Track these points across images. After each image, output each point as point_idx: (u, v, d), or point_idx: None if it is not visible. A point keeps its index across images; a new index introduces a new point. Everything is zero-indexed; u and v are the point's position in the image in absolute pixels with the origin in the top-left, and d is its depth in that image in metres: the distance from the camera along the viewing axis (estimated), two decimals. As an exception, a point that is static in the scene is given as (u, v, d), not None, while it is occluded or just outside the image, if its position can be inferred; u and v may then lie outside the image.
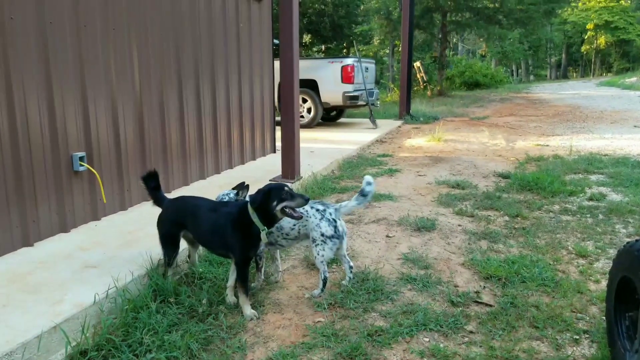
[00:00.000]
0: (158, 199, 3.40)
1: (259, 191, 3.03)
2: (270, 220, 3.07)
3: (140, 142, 5.02)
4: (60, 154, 4.08)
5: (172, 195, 5.05)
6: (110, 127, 4.62)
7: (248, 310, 3.06)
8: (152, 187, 3.38)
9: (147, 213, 4.61)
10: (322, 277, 3.29)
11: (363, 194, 3.34)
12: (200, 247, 3.63)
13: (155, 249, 3.55)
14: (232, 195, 3.56)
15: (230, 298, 3.22)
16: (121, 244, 3.90)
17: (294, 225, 3.30)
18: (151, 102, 5.16)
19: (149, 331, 2.77)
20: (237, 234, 3.07)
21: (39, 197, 3.90)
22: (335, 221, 3.27)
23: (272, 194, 3.00)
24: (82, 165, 4.24)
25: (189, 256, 3.59)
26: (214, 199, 3.55)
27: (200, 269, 3.56)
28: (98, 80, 4.43)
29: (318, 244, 3.25)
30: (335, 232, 3.26)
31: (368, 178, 3.38)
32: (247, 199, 3.22)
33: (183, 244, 3.44)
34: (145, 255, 3.47)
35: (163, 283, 3.20)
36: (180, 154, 5.70)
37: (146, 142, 5.09)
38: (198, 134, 6.02)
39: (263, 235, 3.06)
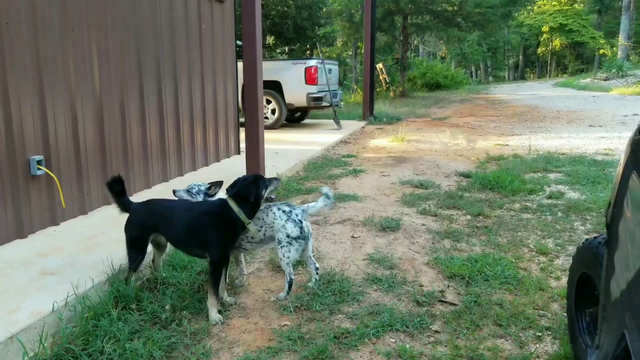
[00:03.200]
0: (124, 204, 3.31)
1: (247, 184, 3.11)
2: (254, 211, 3.17)
3: (100, 144, 4.90)
4: (17, 157, 3.94)
5: (133, 198, 4.95)
6: (70, 129, 4.48)
7: (214, 314, 3.01)
8: (117, 192, 3.29)
9: (108, 217, 4.50)
10: (288, 280, 3.27)
11: (327, 197, 3.37)
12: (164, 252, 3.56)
13: (116, 254, 3.47)
14: (202, 187, 3.52)
15: (227, 298, 3.27)
16: (81, 249, 3.79)
17: (260, 227, 3.27)
18: (112, 103, 5.04)
19: (110, 339, 2.69)
20: (220, 232, 3.07)
21: (-7, 203, 3.76)
22: (301, 222, 3.26)
23: (259, 182, 3.16)
24: (40, 169, 4.10)
25: (153, 260, 3.51)
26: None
27: (164, 274, 3.49)
28: (56, 82, 4.30)
29: (284, 246, 3.23)
30: (301, 233, 3.24)
31: (325, 190, 3.43)
32: (223, 196, 3.23)
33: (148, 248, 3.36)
34: (106, 260, 3.38)
35: (125, 289, 3.12)
36: (142, 157, 5.58)
37: (106, 144, 4.96)
38: (160, 136, 5.92)
39: (252, 227, 3.14)
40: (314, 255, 3.51)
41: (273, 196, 3.27)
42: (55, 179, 4.28)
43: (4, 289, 3.08)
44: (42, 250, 3.77)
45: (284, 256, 3.24)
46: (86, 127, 4.69)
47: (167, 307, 3.08)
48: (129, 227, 3.27)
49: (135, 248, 3.23)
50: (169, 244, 3.45)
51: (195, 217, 3.13)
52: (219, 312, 3.08)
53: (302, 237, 3.26)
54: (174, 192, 3.53)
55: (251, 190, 3.08)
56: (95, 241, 3.97)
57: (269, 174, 6.24)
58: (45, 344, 2.60)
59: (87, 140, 4.71)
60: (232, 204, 3.08)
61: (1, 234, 3.85)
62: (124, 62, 5.20)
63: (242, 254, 3.56)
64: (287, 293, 3.29)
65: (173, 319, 2.98)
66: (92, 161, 4.79)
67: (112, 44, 5.00)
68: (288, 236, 3.23)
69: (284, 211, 3.28)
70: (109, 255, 3.48)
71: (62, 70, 4.37)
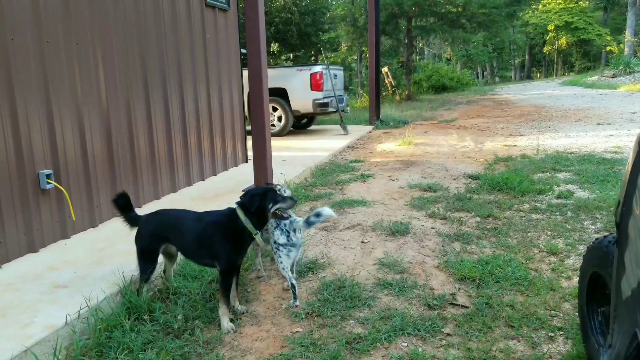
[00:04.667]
0: (131, 219, 3.35)
1: (253, 195, 3.11)
2: (262, 222, 3.16)
3: (108, 156, 4.94)
4: (26, 172, 3.98)
5: (143, 209, 4.98)
6: (78, 142, 4.53)
7: (226, 323, 3.02)
8: (123, 207, 3.33)
9: (118, 229, 4.51)
10: (290, 284, 3.30)
11: (308, 222, 3.39)
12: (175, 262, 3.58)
13: (127, 266, 3.49)
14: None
15: (238, 306, 3.28)
16: (92, 262, 3.82)
17: None
18: (118, 115, 5.08)
19: (124, 350, 2.72)
20: (227, 241, 3.08)
21: (5, 217, 3.80)
22: (288, 232, 3.35)
23: (267, 195, 3.11)
24: (50, 183, 4.14)
25: (164, 271, 3.53)
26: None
27: (175, 284, 3.50)
28: (63, 96, 4.35)
29: (274, 251, 3.37)
30: (287, 240, 3.34)
31: (321, 211, 3.38)
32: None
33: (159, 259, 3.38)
34: (117, 272, 3.41)
35: (136, 300, 3.14)
36: (150, 167, 5.62)
37: (115, 156, 5.01)
38: (168, 146, 5.96)
39: (259, 238, 3.14)
40: (323, 261, 3.51)
41: (285, 214, 3.23)
42: (65, 193, 4.32)
43: (17, 303, 3.12)
44: (54, 263, 3.80)
45: (278, 261, 3.35)
46: (94, 140, 4.73)
47: (180, 316, 3.09)
48: (139, 238, 3.29)
49: (147, 259, 3.25)
50: (179, 254, 3.48)
51: (204, 226, 3.15)
52: (231, 320, 3.10)
53: (290, 244, 3.35)
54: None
55: (254, 201, 3.07)
56: (106, 253, 4.00)
57: (277, 181, 6.25)
58: (59, 357, 2.63)
59: (96, 152, 4.75)
60: (240, 213, 3.10)
61: (13, 249, 3.89)
62: (129, 73, 5.25)
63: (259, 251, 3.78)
64: (295, 298, 3.30)
65: (185, 329, 2.99)
66: (101, 173, 4.83)
67: (117, 55, 5.05)
68: (275, 242, 3.34)
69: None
70: (120, 266, 3.51)
71: (69, 83, 4.42)
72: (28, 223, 4.01)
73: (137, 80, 5.38)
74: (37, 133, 4.08)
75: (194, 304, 3.27)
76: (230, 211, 3.18)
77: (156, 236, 3.27)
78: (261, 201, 3.09)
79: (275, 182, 6.10)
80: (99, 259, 3.88)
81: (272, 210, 3.12)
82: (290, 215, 3.30)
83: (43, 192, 4.14)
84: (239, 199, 3.24)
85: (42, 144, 4.14)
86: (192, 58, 6.49)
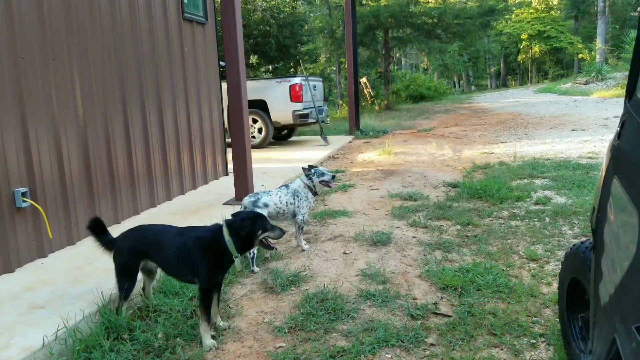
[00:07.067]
0: (107, 243, 3.30)
1: (243, 218, 3.03)
2: (246, 248, 3.06)
3: (86, 173, 4.87)
4: (1, 190, 3.90)
5: (121, 226, 4.92)
6: (54, 159, 4.46)
7: (207, 340, 2.98)
8: (98, 231, 3.30)
9: (97, 246, 4.46)
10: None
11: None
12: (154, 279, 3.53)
13: (106, 284, 3.43)
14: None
15: (220, 323, 3.23)
16: (70, 280, 3.75)
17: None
18: (96, 131, 5.02)
19: (104, 371, 2.66)
20: (208, 258, 3.01)
21: (-22, 238, 3.72)
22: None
23: (258, 222, 3.01)
24: (25, 201, 4.06)
25: (143, 288, 3.48)
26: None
27: (155, 301, 3.45)
28: (39, 112, 4.28)
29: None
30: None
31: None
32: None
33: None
34: (96, 291, 3.35)
35: (116, 319, 3.09)
36: (129, 183, 5.56)
37: (92, 172, 4.94)
38: (146, 161, 5.90)
39: (237, 262, 3.04)
40: (305, 274, 3.49)
41: (272, 244, 3.16)
42: (41, 211, 4.24)
43: (-8, 326, 3.04)
44: (30, 283, 3.72)
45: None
46: (71, 156, 4.66)
47: (160, 335, 3.04)
48: (118, 255, 3.23)
49: (126, 275, 3.18)
50: (158, 271, 3.43)
51: (185, 241, 3.09)
52: (213, 337, 3.06)
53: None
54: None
55: (245, 225, 2.98)
56: (84, 272, 3.93)
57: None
58: (37, 380, 2.56)
59: (73, 169, 4.68)
60: (225, 233, 3.01)
61: (-12, 269, 3.81)
62: (106, 88, 5.19)
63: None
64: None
65: (166, 347, 2.94)
66: (79, 190, 4.76)
67: (95, 71, 5.00)
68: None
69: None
70: (99, 285, 3.45)
71: (45, 99, 4.36)
72: (3, 243, 3.93)
73: (114, 95, 5.32)
74: (12, 150, 4.01)
75: (174, 322, 3.22)
76: (216, 228, 3.09)
77: (136, 252, 3.20)
78: (252, 226, 2.99)
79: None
80: (77, 277, 3.81)
81: (259, 237, 3.03)
82: (276, 247, 3.22)
83: (19, 211, 4.06)
84: (230, 217, 3.17)
85: (17, 162, 4.06)
86: (171, 72, 6.45)
